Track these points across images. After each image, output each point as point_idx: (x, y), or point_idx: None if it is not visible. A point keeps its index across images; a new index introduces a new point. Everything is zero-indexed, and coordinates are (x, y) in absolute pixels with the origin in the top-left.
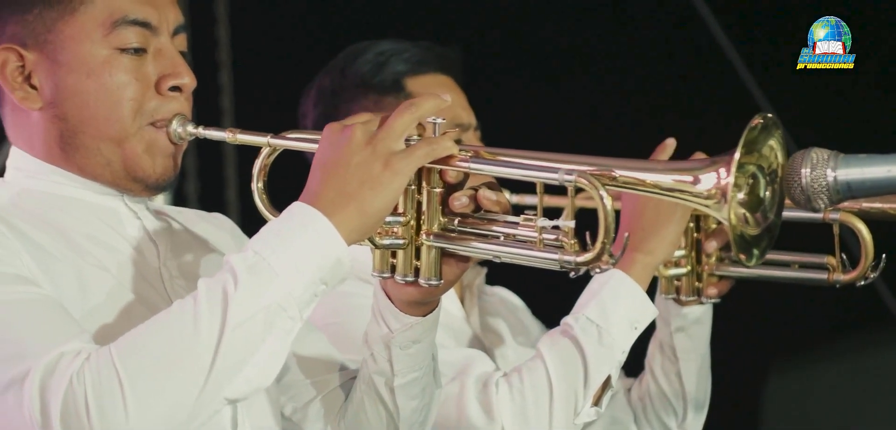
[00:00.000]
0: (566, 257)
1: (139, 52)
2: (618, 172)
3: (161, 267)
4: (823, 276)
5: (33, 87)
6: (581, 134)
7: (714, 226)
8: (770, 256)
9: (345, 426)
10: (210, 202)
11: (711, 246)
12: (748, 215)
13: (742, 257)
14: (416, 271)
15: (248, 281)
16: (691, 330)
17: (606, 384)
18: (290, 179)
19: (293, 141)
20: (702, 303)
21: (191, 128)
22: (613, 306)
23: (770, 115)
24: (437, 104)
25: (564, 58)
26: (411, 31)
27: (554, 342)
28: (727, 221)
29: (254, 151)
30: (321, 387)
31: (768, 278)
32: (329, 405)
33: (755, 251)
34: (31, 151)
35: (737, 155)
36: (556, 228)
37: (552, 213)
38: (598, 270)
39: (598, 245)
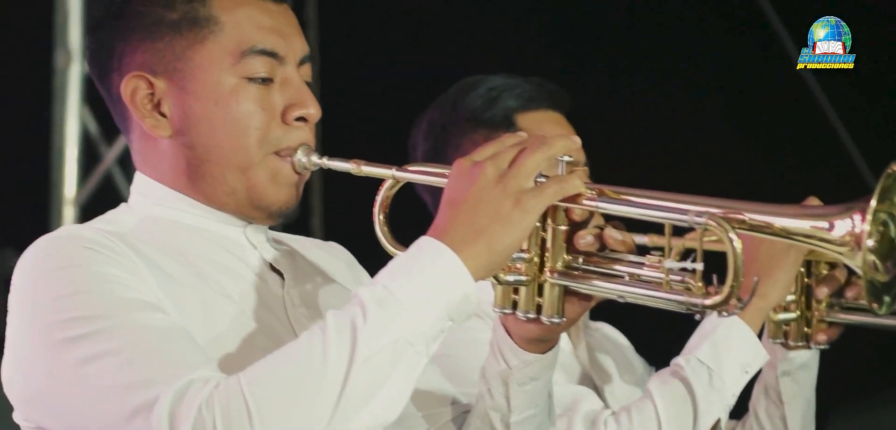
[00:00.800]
0: (693, 300)
1: (266, 81)
2: (747, 215)
3: (284, 295)
4: None
5: (162, 114)
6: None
7: (824, 271)
8: None
9: None
10: (294, 229)
11: (823, 292)
12: (878, 262)
13: (873, 305)
14: (538, 308)
15: (377, 315)
16: (797, 375)
17: (715, 426)
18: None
19: (418, 174)
20: (809, 348)
21: (315, 158)
22: (725, 350)
23: None
24: (567, 145)
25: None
26: (503, 62)
27: (664, 383)
28: (860, 269)
29: (336, 180)
30: (433, 420)
31: (879, 326)
32: None
33: (886, 299)
34: (157, 178)
35: (873, 203)
36: (684, 270)
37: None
38: (724, 313)
39: (727, 289)
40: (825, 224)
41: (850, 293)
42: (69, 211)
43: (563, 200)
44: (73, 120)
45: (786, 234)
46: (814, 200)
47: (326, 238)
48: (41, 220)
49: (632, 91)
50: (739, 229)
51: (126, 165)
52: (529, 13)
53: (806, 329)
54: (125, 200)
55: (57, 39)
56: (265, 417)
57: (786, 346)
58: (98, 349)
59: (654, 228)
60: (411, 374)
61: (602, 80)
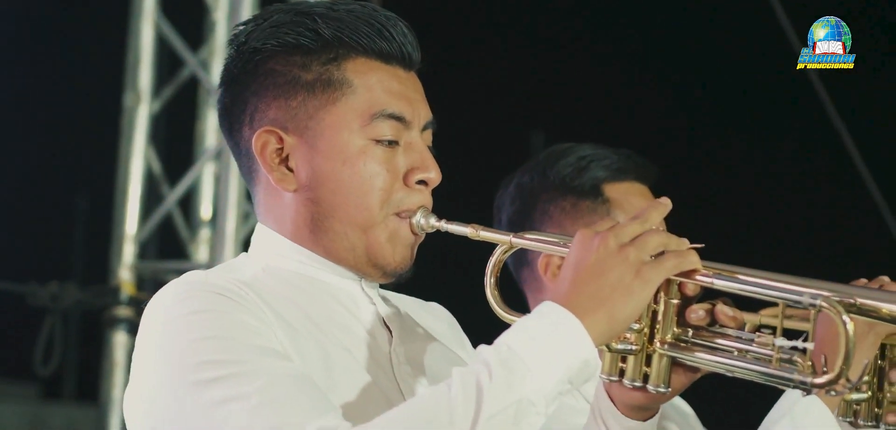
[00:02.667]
0: (802, 378)
1: (392, 144)
2: (859, 300)
3: (391, 352)
4: None
5: (290, 169)
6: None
7: None
8: None
9: None
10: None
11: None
12: None
13: None
14: (645, 377)
15: (502, 375)
16: None
17: None
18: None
19: (533, 241)
20: (878, 429)
21: (433, 221)
22: (803, 426)
23: None
24: (661, 212)
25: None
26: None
27: None
28: None
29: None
30: None
31: None
32: None
33: None
34: (279, 230)
35: None
36: (794, 349)
37: (769, 329)
38: (833, 393)
39: (837, 370)
40: None
41: None
42: (129, 248)
43: (678, 275)
44: (138, 159)
45: (894, 319)
46: (885, 279)
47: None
48: (102, 255)
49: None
50: (850, 312)
51: (186, 206)
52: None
53: (877, 410)
54: (183, 240)
55: (127, 80)
56: None
57: (855, 425)
58: (230, 393)
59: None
60: None
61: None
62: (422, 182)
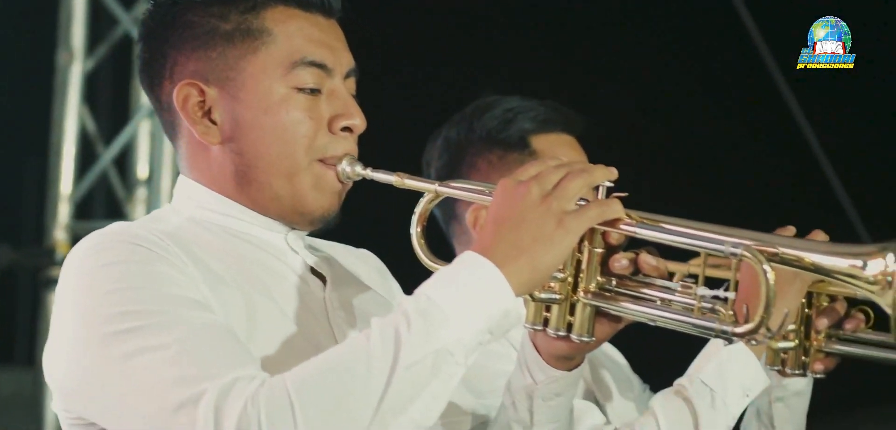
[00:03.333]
0: (723, 327)
1: (314, 92)
2: (781, 249)
3: (325, 298)
4: None
5: (213, 121)
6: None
7: (825, 303)
8: (880, 337)
9: None
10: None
11: (823, 323)
12: None
13: None
14: (569, 327)
15: (421, 325)
16: (791, 401)
17: None
18: None
19: (458, 190)
20: (805, 377)
21: (359, 168)
22: (728, 373)
23: None
24: (607, 173)
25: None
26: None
27: (667, 402)
28: (891, 307)
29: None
30: (452, 429)
31: (875, 359)
32: None
33: None
34: (204, 182)
35: None
36: (716, 298)
37: (694, 278)
38: (754, 342)
39: (757, 319)
40: (859, 262)
41: (848, 326)
42: (64, 208)
43: (601, 224)
44: (72, 118)
45: (816, 269)
46: (820, 234)
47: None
48: (37, 216)
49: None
50: (772, 261)
51: (122, 165)
52: (548, 38)
53: (803, 358)
54: (119, 199)
55: (60, 38)
56: (309, 417)
57: (782, 373)
58: (146, 344)
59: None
60: (449, 383)
61: (614, 104)
62: (346, 129)
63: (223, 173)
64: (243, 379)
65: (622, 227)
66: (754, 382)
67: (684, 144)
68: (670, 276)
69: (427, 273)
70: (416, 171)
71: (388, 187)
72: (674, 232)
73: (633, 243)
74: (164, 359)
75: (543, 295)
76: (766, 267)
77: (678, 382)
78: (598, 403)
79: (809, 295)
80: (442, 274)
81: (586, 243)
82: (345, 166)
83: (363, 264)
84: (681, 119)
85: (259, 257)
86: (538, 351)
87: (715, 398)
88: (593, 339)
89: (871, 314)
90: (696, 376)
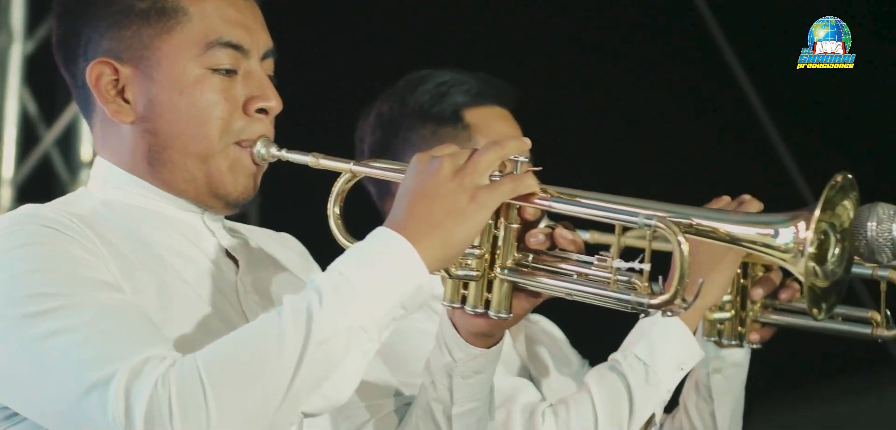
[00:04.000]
0: (639, 299)
1: (230, 73)
2: (695, 220)
3: (237, 282)
4: (867, 330)
5: (126, 100)
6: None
7: (761, 273)
8: None
9: None
10: (235, 217)
11: (758, 293)
12: (819, 269)
13: (813, 311)
14: (487, 304)
15: (333, 301)
16: (728, 372)
17: (650, 422)
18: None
19: (375, 169)
20: (742, 347)
21: (274, 150)
22: (662, 347)
23: (849, 175)
24: (520, 146)
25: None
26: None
27: (601, 377)
28: (802, 275)
29: (274, 170)
30: (375, 411)
31: (810, 328)
32: (382, 429)
33: (824, 305)
34: (118, 162)
35: (817, 212)
36: (631, 270)
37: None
38: (669, 313)
39: (672, 290)
40: (770, 231)
41: (784, 295)
42: (6, 191)
43: (516, 199)
44: (12, 100)
45: (731, 239)
46: (725, 199)
47: (265, 226)
48: None
49: (579, 88)
50: (687, 232)
51: (64, 146)
52: (480, 10)
53: (740, 329)
54: (63, 182)
55: None
56: (220, 395)
57: (719, 344)
58: (57, 326)
59: (600, 227)
60: (363, 360)
61: (549, 76)
62: (262, 111)
63: (136, 154)
64: (154, 359)
65: (537, 201)
66: (688, 355)
67: (625, 116)
68: (594, 249)
69: None
70: (350, 148)
71: (313, 170)
72: (589, 205)
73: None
74: (74, 341)
75: (460, 272)
76: (681, 238)
77: (612, 357)
78: (533, 379)
79: (745, 265)
80: (354, 250)
81: (502, 218)
82: (260, 148)
83: (283, 247)
84: (622, 90)
85: (172, 240)
86: (457, 329)
87: (649, 373)
88: (511, 315)
89: None
90: (630, 350)
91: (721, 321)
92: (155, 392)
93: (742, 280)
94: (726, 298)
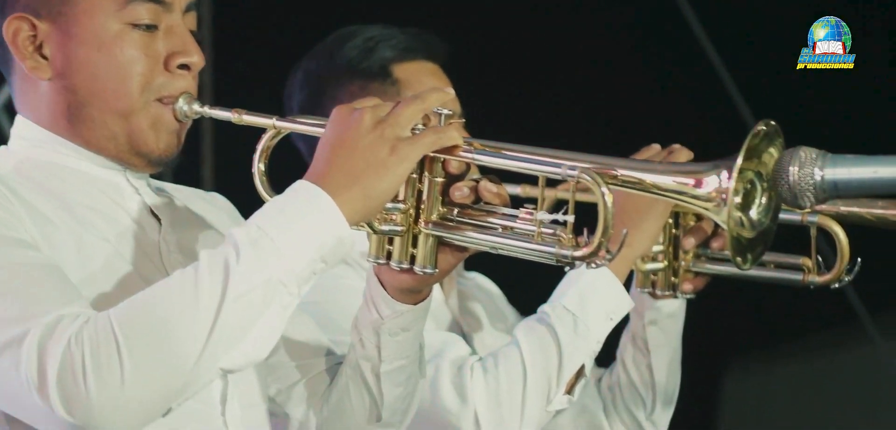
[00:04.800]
0: (563, 252)
1: (150, 28)
2: (620, 171)
3: (160, 241)
4: (798, 277)
5: (44, 57)
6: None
7: (692, 223)
8: None
9: (328, 410)
10: (185, 179)
11: (689, 243)
12: (744, 218)
13: (738, 260)
14: (412, 259)
15: (250, 255)
16: (664, 324)
17: (580, 373)
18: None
19: (299, 124)
20: (676, 298)
21: (197, 107)
22: (590, 297)
23: (773, 122)
24: (441, 97)
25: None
26: (392, 14)
27: (530, 330)
28: (726, 224)
29: (229, 131)
30: (306, 370)
31: (744, 277)
32: (313, 389)
33: (750, 255)
34: (37, 120)
35: (739, 160)
36: (555, 222)
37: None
38: (593, 265)
39: (596, 241)
40: (692, 181)
41: (715, 244)
42: None
43: (439, 152)
44: None
45: (656, 189)
46: (678, 147)
47: (217, 188)
48: None
49: (508, 43)
50: (611, 183)
51: (12, 111)
52: None
53: (673, 279)
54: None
55: None
56: (134, 351)
57: (653, 295)
58: None
59: (531, 181)
60: (283, 314)
61: (480, 29)
62: (184, 67)
63: (55, 111)
64: (68, 317)
65: (460, 154)
66: (617, 305)
67: (562, 67)
68: (521, 202)
69: None
70: (279, 106)
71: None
72: (513, 157)
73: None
74: None
75: (385, 227)
76: (604, 189)
77: (541, 309)
78: (465, 335)
79: (676, 215)
80: (273, 203)
81: (426, 172)
82: (182, 105)
83: (211, 206)
84: (559, 42)
85: (93, 199)
86: (383, 285)
87: (577, 324)
88: (437, 271)
89: None
90: (559, 302)
91: (654, 272)
92: (68, 350)
93: (674, 230)
94: (659, 248)
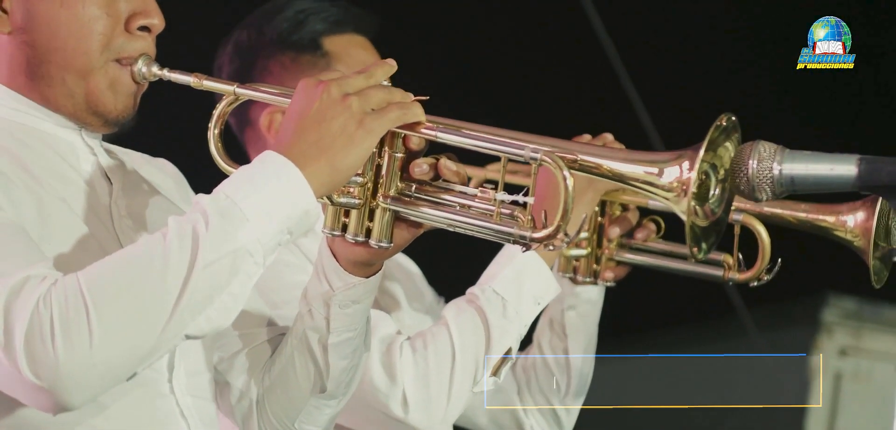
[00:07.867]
0: (521, 232)
1: None
2: (580, 156)
3: (111, 204)
4: (719, 272)
5: (4, 10)
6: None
7: (618, 212)
8: (669, 247)
9: (270, 380)
10: (117, 140)
11: (614, 231)
12: (699, 209)
13: (693, 250)
14: (368, 233)
15: (219, 224)
16: (582, 310)
17: (508, 355)
18: None
19: (259, 92)
20: (596, 285)
21: (155, 69)
22: (519, 281)
23: (733, 117)
24: (387, 70)
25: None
26: None
27: (459, 311)
28: (685, 214)
29: (161, 94)
30: (248, 340)
31: (664, 268)
32: (255, 359)
33: (704, 245)
34: None
35: (702, 152)
36: (514, 203)
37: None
38: (551, 247)
39: (555, 224)
40: (655, 170)
41: (639, 235)
42: None
43: (402, 127)
44: None
45: (615, 176)
46: (587, 137)
47: (155, 152)
48: None
49: (437, 19)
50: (571, 168)
51: None
52: None
53: (595, 266)
54: None
55: None
56: (103, 316)
57: (574, 281)
58: None
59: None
60: (248, 283)
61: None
62: (144, 28)
63: (14, 66)
64: (34, 278)
65: (423, 131)
66: (545, 290)
67: (481, 43)
68: (490, 185)
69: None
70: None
71: (189, 90)
72: (474, 137)
73: (436, 150)
74: None
75: (342, 199)
76: (566, 173)
77: (470, 291)
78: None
79: (603, 203)
80: (241, 173)
81: (386, 147)
82: (141, 67)
83: (159, 171)
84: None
85: (49, 158)
86: (336, 257)
87: (506, 307)
88: (392, 245)
89: (662, 225)
90: (488, 285)
91: (577, 258)
92: (36, 312)
93: (599, 218)
94: (583, 235)
